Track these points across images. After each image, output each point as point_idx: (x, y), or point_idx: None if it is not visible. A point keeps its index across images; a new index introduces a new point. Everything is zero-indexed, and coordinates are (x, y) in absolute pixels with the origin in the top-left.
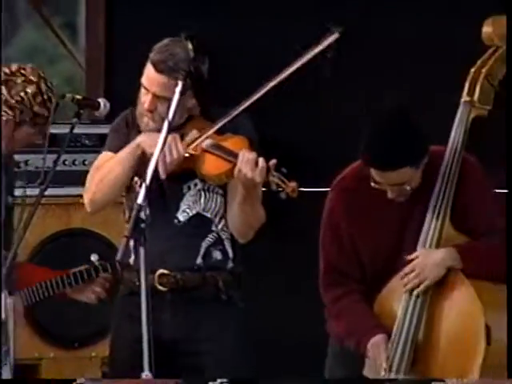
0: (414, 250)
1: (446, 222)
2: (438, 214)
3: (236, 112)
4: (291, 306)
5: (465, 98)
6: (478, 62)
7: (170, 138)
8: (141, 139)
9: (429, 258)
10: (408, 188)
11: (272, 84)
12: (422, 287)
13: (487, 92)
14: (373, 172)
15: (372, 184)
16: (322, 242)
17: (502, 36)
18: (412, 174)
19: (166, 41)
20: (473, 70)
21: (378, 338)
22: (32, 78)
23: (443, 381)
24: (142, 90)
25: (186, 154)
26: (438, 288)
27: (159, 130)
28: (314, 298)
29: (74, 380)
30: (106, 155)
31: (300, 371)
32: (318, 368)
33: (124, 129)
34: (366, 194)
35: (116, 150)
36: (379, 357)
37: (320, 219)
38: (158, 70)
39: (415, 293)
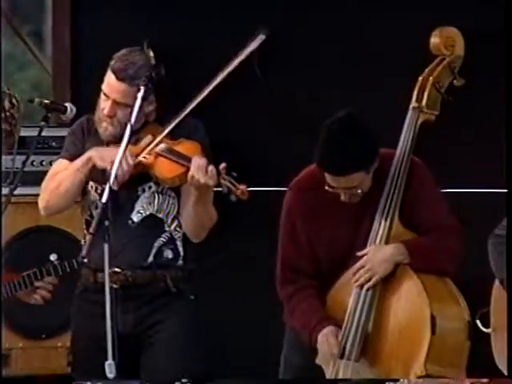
0: (366, 247)
1: (394, 220)
2: (388, 213)
3: (181, 117)
4: (242, 301)
5: (413, 104)
6: (426, 71)
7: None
8: (91, 153)
9: (378, 253)
10: (360, 191)
11: (210, 88)
12: (371, 282)
13: (434, 98)
14: (327, 176)
15: (326, 187)
16: (280, 241)
17: (448, 46)
18: (363, 178)
19: (125, 50)
20: (421, 77)
21: (326, 331)
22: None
23: (397, 380)
24: (102, 97)
25: (142, 158)
26: (387, 281)
27: (117, 135)
28: (265, 294)
29: (73, 379)
30: (60, 163)
31: (249, 361)
32: (266, 360)
33: (80, 135)
34: (322, 196)
35: (71, 158)
36: (328, 348)
37: (270, 218)
38: (118, 77)
39: (365, 287)
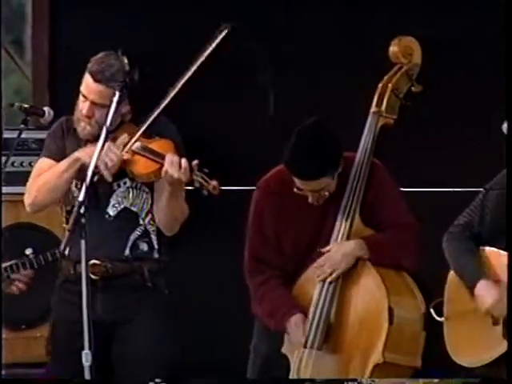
0: (329, 243)
1: (355, 218)
2: (349, 212)
3: (154, 115)
4: (215, 294)
5: (373, 108)
6: (385, 78)
7: (105, 146)
8: (79, 154)
9: (340, 249)
10: (326, 193)
11: (179, 86)
12: (333, 276)
13: (393, 104)
14: (295, 180)
15: (295, 190)
16: (248, 234)
17: (406, 54)
18: (329, 182)
19: (102, 54)
20: (380, 84)
21: (295, 317)
22: None
23: (356, 380)
24: (81, 98)
25: (135, 146)
26: (348, 275)
27: (95, 134)
28: (236, 285)
29: (72, 380)
30: (43, 161)
31: (219, 352)
32: (238, 352)
33: (60, 134)
34: (289, 195)
35: (53, 155)
36: (297, 333)
37: (240, 215)
38: (95, 79)
39: (328, 280)
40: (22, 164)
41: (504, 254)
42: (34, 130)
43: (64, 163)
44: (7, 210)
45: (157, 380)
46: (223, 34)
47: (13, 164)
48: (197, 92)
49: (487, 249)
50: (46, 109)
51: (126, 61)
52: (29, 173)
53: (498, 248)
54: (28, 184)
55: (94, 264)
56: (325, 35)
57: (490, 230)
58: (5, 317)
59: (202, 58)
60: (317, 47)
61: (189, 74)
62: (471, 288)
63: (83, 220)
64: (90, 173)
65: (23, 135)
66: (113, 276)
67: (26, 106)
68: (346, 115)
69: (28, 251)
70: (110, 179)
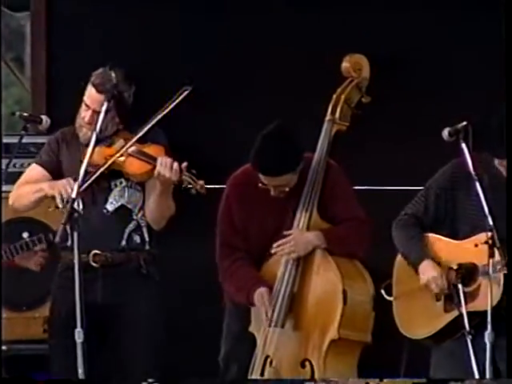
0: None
1: (313, 212)
2: (308, 206)
3: (149, 125)
4: (200, 278)
5: (328, 116)
6: (338, 90)
7: (66, 180)
8: (43, 185)
9: (301, 236)
10: (286, 189)
11: (174, 103)
12: (292, 256)
13: (346, 112)
14: (260, 176)
15: (259, 184)
16: (218, 222)
17: (356, 69)
18: (290, 178)
19: (101, 69)
20: (334, 95)
21: (262, 290)
22: None
23: (313, 379)
24: (83, 107)
25: (121, 158)
26: (308, 262)
27: (98, 141)
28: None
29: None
30: (33, 169)
31: (204, 335)
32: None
33: (54, 146)
34: (254, 189)
35: (44, 164)
36: (264, 304)
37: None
38: (98, 90)
39: (287, 257)
40: (22, 165)
41: (444, 238)
42: (33, 135)
43: (34, 187)
44: (8, 205)
45: (149, 380)
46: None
47: (14, 165)
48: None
49: (430, 235)
50: (43, 117)
51: (113, 75)
52: None
53: (439, 234)
54: (15, 186)
55: (95, 254)
56: (286, 56)
57: (432, 219)
58: (7, 299)
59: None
60: (285, 68)
61: (183, 95)
62: (416, 267)
63: (76, 215)
64: (81, 174)
65: (23, 140)
66: (111, 264)
67: (25, 114)
68: (307, 121)
69: (25, 235)
70: (60, 205)
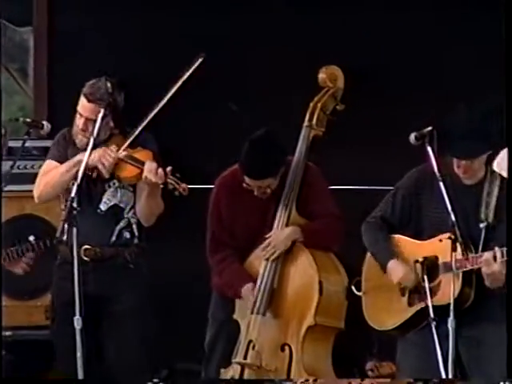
0: (272, 229)
1: (293, 210)
2: (287, 205)
3: (137, 131)
4: (184, 272)
5: (306, 123)
6: (315, 98)
7: (103, 149)
8: (81, 157)
9: (280, 235)
10: (268, 190)
11: (158, 107)
12: (275, 255)
13: (322, 119)
14: (245, 178)
15: (244, 185)
16: (208, 220)
17: (332, 80)
18: (271, 182)
19: (93, 80)
20: (311, 103)
21: (249, 285)
22: None
23: (291, 380)
24: (77, 116)
25: (121, 154)
26: (287, 255)
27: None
28: (206, 263)
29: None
30: (50, 163)
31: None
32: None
33: (62, 142)
34: (240, 189)
35: (56, 158)
36: (250, 297)
37: (207, 208)
38: (89, 100)
39: (271, 258)
40: (25, 167)
41: (409, 239)
42: (35, 139)
43: (67, 164)
44: (13, 204)
45: (154, 380)
46: (196, 64)
47: (18, 167)
48: (173, 110)
49: (396, 236)
50: (44, 122)
51: (109, 85)
52: (31, 174)
53: (405, 234)
54: (37, 181)
55: (87, 249)
56: (267, 67)
57: (398, 220)
58: (11, 289)
59: (178, 85)
60: (267, 77)
61: (167, 97)
62: (384, 266)
63: (75, 212)
64: (80, 174)
65: (26, 144)
66: (101, 258)
67: (28, 120)
68: (287, 127)
69: (31, 237)
70: (107, 176)
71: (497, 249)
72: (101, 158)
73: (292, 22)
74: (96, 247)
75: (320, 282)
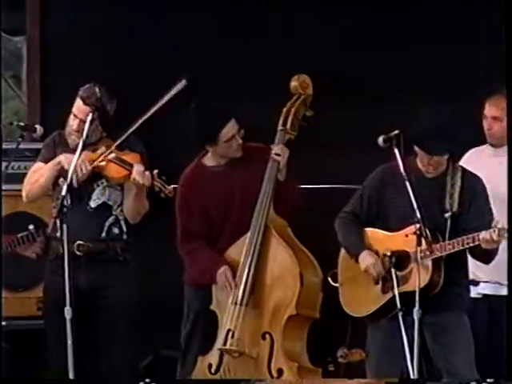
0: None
1: (270, 205)
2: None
3: (126, 135)
4: (170, 264)
5: (280, 127)
6: (288, 104)
7: (82, 159)
8: (60, 158)
9: None
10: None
11: (143, 119)
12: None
13: (295, 124)
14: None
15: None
16: (177, 214)
17: (303, 87)
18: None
19: (88, 85)
20: (285, 109)
21: (222, 269)
22: None
23: (263, 380)
24: (72, 117)
25: (98, 163)
26: (266, 248)
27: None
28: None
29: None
30: (38, 164)
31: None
32: None
33: (52, 145)
34: (204, 178)
35: (45, 160)
36: (227, 280)
37: None
38: (85, 103)
39: (250, 250)
40: (19, 168)
41: (378, 231)
42: (28, 142)
43: (49, 165)
44: (8, 202)
45: (147, 380)
46: (179, 86)
47: (12, 168)
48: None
49: (367, 229)
50: (37, 126)
51: (97, 90)
52: (24, 174)
53: (374, 227)
54: (25, 180)
55: (79, 244)
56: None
57: (366, 214)
58: (6, 281)
59: (163, 102)
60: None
61: (154, 109)
62: (356, 258)
63: (65, 210)
64: (70, 174)
65: (20, 146)
66: (93, 253)
67: (22, 124)
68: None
69: (30, 226)
70: (76, 185)
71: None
72: (76, 166)
73: (267, 33)
74: (88, 242)
75: (300, 274)
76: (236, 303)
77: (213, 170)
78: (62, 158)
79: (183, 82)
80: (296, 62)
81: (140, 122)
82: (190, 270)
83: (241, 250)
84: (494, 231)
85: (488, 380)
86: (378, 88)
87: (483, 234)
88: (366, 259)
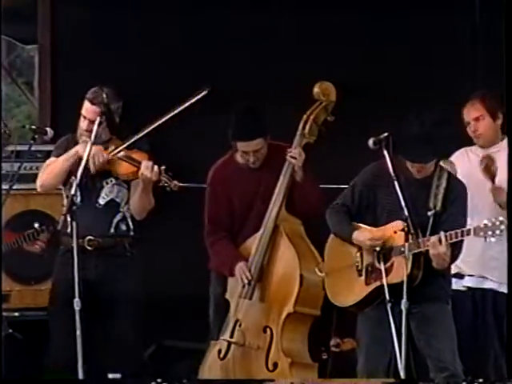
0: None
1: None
2: (278, 197)
3: (134, 138)
4: (174, 259)
5: (299, 131)
6: (309, 110)
7: (99, 148)
8: (77, 147)
9: None
10: (260, 155)
11: (158, 123)
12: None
13: (314, 129)
14: (239, 145)
15: (239, 157)
16: (206, 204)
17: (325, 94)
18: (263, 143)
19: (95, 88)
20: (305, 115)
21: (241, 264)
22: None
23: (273, 381)
24: (81, 118)
25: (120, 154)
26: (273, 249)
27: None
28: (193, 253)
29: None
30: (52, 159)
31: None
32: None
33: (65, 143)
34: (232, 172)
35: (58, 156)
36: (243, 274)
37: (194, 204)
38: (92, 102)
39: (259, 249)
40: (31, 168)
41: (367, 227)
42: (39, 144)
43: (65, 155)
44: (20, 201)
45: (158, 380)
46: (200, 95)
47: (25, 168)
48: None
49: (354, 223)
50: (48, 129)
51: (104, 94)
52: (36, 175)
53: (363, 221)
54: (40, 172)
55: (89, 239)
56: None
57: (356, 207)
58: (19, 275)
59: (178, 110)
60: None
61: (165, 118)
62: (349, 239)
63: (74, 207)
64: (79, 172)
65: (32, 148)
66: (102, 248)
67: (34, 127)
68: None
69: (36, 224)
70: (93, 171)
71: (442, 233)
72: (94, 155)
73: (290, 43)
74: (98, 238)
75: (301, 275)
76: (241, 296)
77: (242, 166)
78: (79, 147)
79: (205, 92)
80: (319, 69)
81: (156, 124)
82: (213, 259)
83: (253, 246)
84: (443, 236)
85: (479, 380)
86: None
87: (433, 239)
88: (363, 234)
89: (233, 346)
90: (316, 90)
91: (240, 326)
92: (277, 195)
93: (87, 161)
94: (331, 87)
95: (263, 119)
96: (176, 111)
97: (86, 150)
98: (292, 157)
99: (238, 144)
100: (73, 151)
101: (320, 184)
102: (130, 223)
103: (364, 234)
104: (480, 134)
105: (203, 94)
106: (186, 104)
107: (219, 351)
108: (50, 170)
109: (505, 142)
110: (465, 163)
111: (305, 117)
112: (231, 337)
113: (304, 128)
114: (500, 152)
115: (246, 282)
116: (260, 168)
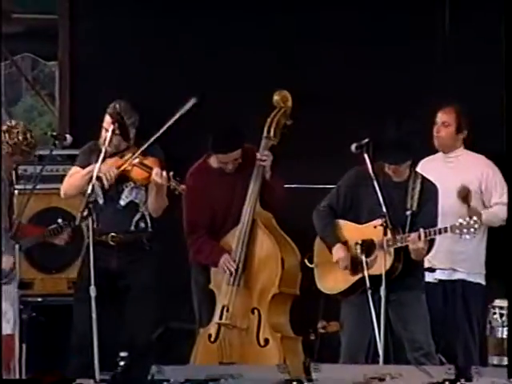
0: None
1: (257, 201)
2: (252, 197)
3: (146, 145)
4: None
5: (265, 134)
6: (271, 115)
7: (109, 165)
8: (91, 167)
9: None
10: (237, 163)
11: (164, 128)
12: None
13: (277, 132)
14: (219, 157)
15: (218, 164)
16: (184, 206)
17: (284, 101)
18: (240, 153)
19: (114, 102)
20: (269, 119)
21: (226, 256)
22: (22, 130)
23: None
24: (103, 130)
25: (127, 167)
26: (253, 237)
27: (111, 153)
28: None
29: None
30: (75, 168)
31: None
32: None
33: (88, 152)
34: (208, 174)
35: (81, 164)
36: (228, 264)
37: None
38: (112, 117)
39: (241, 240)
40: (51, 170)
41: (351, 223)
42: (59, 149)
43: (83, 172)
44: (43, 199)
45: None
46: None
47: (46, 170)
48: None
49: (340, 220)
50: (67, 135)
51: (117, 106)
52: (56, 176)
53: (347, 219)
54: (64, 180)
55: (112, 236)
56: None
57: (341, 208)
58: (42, 264)
59: (173, 120)
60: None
61: (167, 125)
62: (330, 248)
63: (91, 205)
64: (94, 177)
65: (53, 152)
66: (124, 243)
67: (54, 134)
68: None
69: (59, 220)
70: (107, 186)
71: (421, 230)
72: (105, 172)
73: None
74: (120, 234)
75: (282, 259)
76: (229, 284)
77: (217, 170)
78: (92, 167)
79: (192, 101)
80: (277, 78)
81: (157, 134)
82: (196, 255)
83: (233, 239)
84: (423, 233)
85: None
86: (347, 100)
87: (413, 235)
88: (338, 252)
89: (223, 328)
90: (276, 97)
91: (227, 310)
92: (251, 194)
93: (100, 178)
94: (288, 95)
95: (241, 131)
96: (173, 120)
97: (98, 170)
98: (261, 159)
99: (218, 156)
100: (89, 169)
101: (286, 183)
102: (148, 220)
103: (340, 252)
104: (440, 136)
105: (191, 103)
106: (178, 114)
107: (209, 336)
108: (71, 182)
109: (464, 149)
110: (429, 170)
111: (268, 121)
112: (220, 320)
113: (269, 132)
114: (462, 156)
115: (232, 270)
116: (234, 172)
